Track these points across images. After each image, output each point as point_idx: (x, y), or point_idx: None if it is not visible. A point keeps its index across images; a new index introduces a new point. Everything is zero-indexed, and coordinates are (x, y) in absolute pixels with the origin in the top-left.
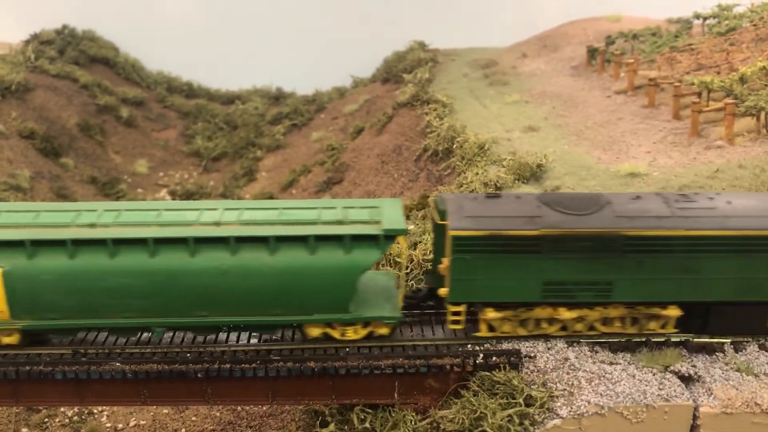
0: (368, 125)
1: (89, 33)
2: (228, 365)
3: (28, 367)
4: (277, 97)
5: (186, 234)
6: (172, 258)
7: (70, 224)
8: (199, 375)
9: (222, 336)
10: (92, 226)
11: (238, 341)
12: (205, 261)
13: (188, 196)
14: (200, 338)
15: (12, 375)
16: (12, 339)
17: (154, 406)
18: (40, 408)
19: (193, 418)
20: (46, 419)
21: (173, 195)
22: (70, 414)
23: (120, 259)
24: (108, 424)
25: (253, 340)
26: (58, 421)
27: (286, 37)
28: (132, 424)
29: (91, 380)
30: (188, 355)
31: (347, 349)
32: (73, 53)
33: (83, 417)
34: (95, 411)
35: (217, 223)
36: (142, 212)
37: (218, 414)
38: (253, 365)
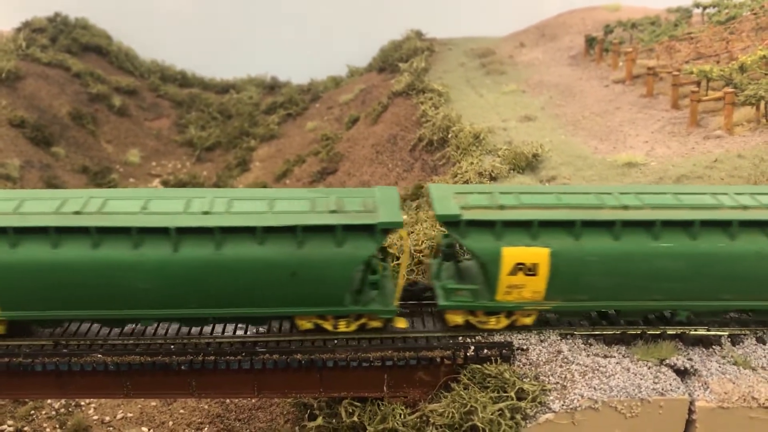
0: (363, 115)
1: (82, 21)
2: (212, 357)
3: (7, 359)
4: (272, 86)
5: (729, 217)
6: (713, 241)
7: (604, 205)
8: (182, 367)
9: (207, 327)
10: (626, 208)
11: (223, 332)
12: (746, 245)
13: (181, 186)
14: (185, 329)
15: None
16: (529, 320)
17: (142, 399)
18: (27, 400)
19: (181, 411)
20: (33, 411)
21: (166, 185)
22: (56, 406)
23: (663, 240)
24: (95, 417)
25: (239, 332)
26: (45, 414)
27: (282, 25)
28: (119, 416)
29: (73, 372)
30: (171, 346)
31: (335, 342)
32: (66, 41)
33: (70, 409)
34: (82, 403)
35: (746, 207)
36: (658, 195)
37: (206, 407)
38: (239, 357)
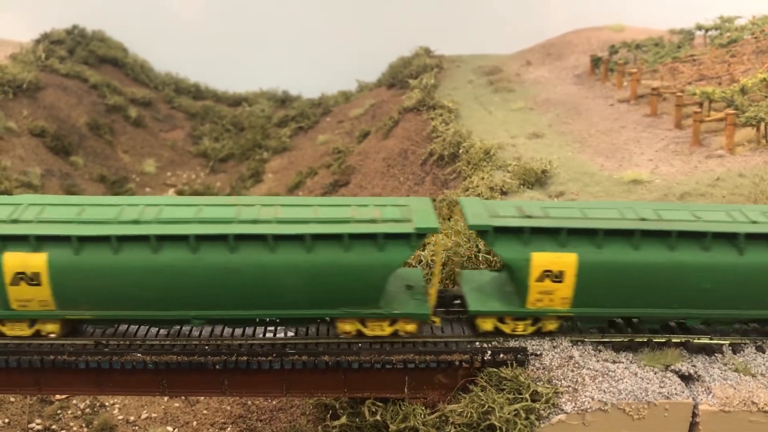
0: (374, 129)
1: (99, 33)
2: (245, 357)
3: (52, 357)
4: (284, 100)
5: None
6: None
7: None
8: (217, 366)
9: (238, 330)
10: None
11: (254, 335)
12: None
13: (198, 196)
14: (218, 331)
15: (37, 364)
16: None
17: (166, 399)
18: (53, 400)
19: (204, 412)
20: (59, 411)
21: (182, 195)
22: (82, 406)
23: None
24: (120, 416)
25: (269, 335)
26: (71, 413)
27: (293, 40)
28: (144, 416)
29: (112, 370)
30: (206, 347)
31: (360, 345)
32: (83, 53)
33: (95, 409)
34: (107, 404)
35: None
36: None
37: (229, 407)
38: (269, 358)
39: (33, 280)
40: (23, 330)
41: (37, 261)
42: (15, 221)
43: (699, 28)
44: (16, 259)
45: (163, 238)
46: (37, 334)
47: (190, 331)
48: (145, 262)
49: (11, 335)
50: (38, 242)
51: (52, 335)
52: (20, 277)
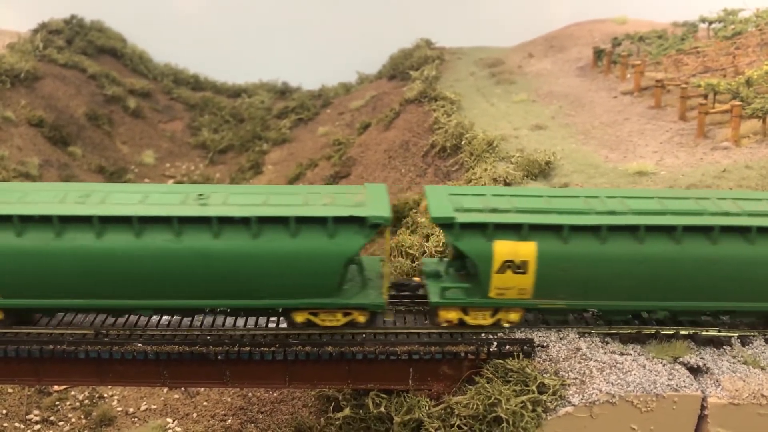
0: (375, 121)
1: (97, 23)
2: (247, 348)
3: (51, 346)
4: (283, 91)
5: None
6: None
7: None
8: (218, 357)
9: (240, 320)
10: None
11: (256, 325)
12: None
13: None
14: (219, 321)
15: (36, 353)
16: None
17: (165, 391)
18: (51, 391)
19: (204, 403)
20: (58, 402)
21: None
22: (81, 398)
23: None
24: (119, 408)
25: (272, 325)
26: (69, 405)
27: (293, 31)
28: (143, 407)
29: (113, 360)
30: (208, 337)
31: (364, 335)
32: (81, 43)
33: (94, 401)
34: (106, 395)
35: None
36: None
37: (229, 399)
38: (272, 349)
39: (520, 268)
40: (485, 319)
41: (526, 249)
42: (494, 211)
43: (703, 20)
44: (507, 248)
45: (651, 229)
46: (496, 325)
47: (192, 320)
48: (630, 251)
49: (473, 324)
50: (529, 231)
51: (509, 324)
52: (508, 265)
